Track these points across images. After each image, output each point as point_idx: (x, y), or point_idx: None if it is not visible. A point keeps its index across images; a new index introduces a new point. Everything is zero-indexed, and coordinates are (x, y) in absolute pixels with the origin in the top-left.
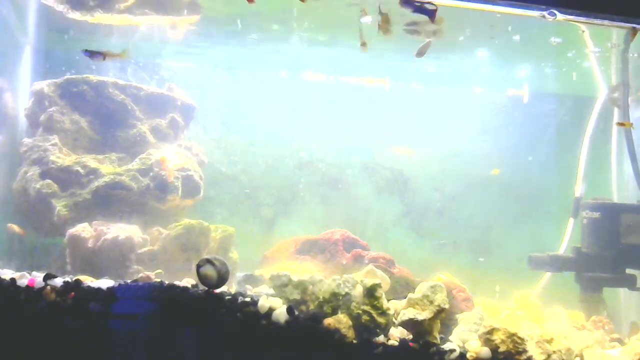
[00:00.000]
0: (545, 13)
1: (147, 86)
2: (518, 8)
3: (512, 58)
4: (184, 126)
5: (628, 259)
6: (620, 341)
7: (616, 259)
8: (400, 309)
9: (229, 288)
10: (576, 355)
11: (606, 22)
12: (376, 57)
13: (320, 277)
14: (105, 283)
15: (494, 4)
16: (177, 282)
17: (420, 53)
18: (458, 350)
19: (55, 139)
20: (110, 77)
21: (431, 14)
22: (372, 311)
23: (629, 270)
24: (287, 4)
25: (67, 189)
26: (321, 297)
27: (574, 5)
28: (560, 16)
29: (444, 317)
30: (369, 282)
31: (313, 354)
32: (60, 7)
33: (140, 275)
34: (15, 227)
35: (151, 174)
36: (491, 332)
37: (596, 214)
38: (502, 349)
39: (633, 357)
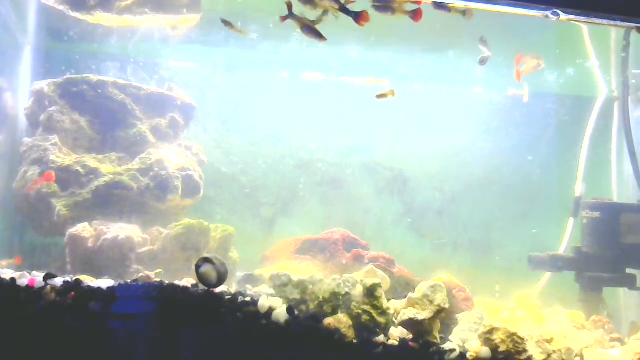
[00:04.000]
0: (548, 13)
1: (147, 86)
2: (520, 8)
3: (514, 57)
4: (184, 126)
5: (628, 259)
6: (620, 341)
7: (616, 258)
8: (400, 309)
9: (229, 288)
10: (576, 355)
11: (605, 21)
12: (376, 57)
13: (320, 277)
14: (105, 283)
15: (494, 4)
16: (177, 282)
17: (483, 62)
18: (458, 350)
19: (55, 138)
20: (110, 77)
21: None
22: (372, 311)
23: (629, 270)
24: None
25: (67, 189)
26: (321, 297)
27: (576, 5)
28: (563, 16)
29: (444, 317)
30: (369, 281)
31: (313, 354)
32: (60, 7)
33: (140, 275)
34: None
35: (151, 173)
36: (491, 331)
37: (596, 214)
38: (502, 348)
39: (633, 357)
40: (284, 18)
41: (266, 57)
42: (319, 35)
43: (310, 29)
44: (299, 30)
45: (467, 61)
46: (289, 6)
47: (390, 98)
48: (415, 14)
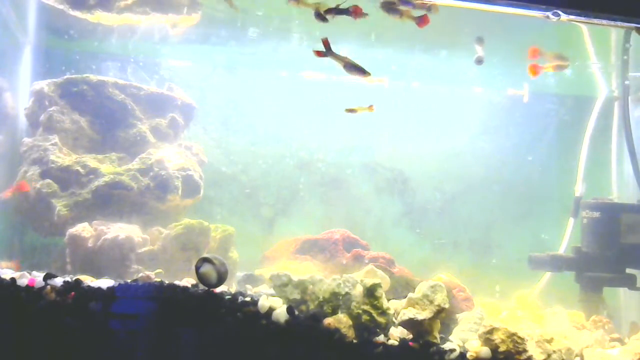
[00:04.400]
0: (549, 13)
1: (147, 86)
2: (520, 8)
3: (513, 57)
4: (184, 126)
5: (628, 259)
6: (620, 341)
7: (616, 258)
8: (400, 309)
9: (229, 288)
10: (576, 355)
11: (604, 21)
12: (376, 56)
13: (320, 276)
14: (105, 283)
15: (494, 4)
16: (177, 282)
17: (479, 61)
18: (458, 350)
19: (55, 138)
20: (110, 77)
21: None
22: (372, 311)
23: (629, 270)
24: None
25: (67, 189)
26: (321, 297)
27: (576, 5)
28: (564, 16)
29: (444, 317)
30: (369, 281)
31: (313, 354)
32: (60, 6)
33: (141, 275)
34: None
35: (151, 173)
36: (491, 331)
37: (596, 214)
38: (502, 348)
39: (633, 357)
40: (320, 54)
41: (266, 57)
42: (362, 72)
43: (353, 66)
44: (342, 68)
45: (467, 61)
46: (326, 44)
47: (365, 113)
48: (421, 20)
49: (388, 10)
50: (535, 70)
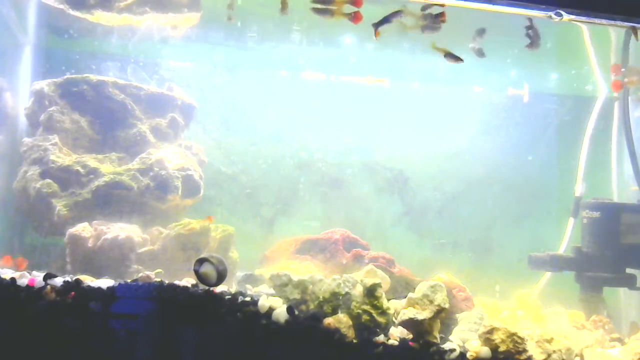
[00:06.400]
0: (551, 13)
1: (147, 86)
2: (521, 8)
3: (513, 58)
4: (184, 126)
5: (628, 259)
6: (620, 341)
7: (616, 258)
8: (400, 309)
9: (229, 288)
10: (576, 355)
11: (604, 21)
12: (376, 57)
13: (320, 276)
14: (105, 282)
15: (496, 4)
16: (177, 282)
17: (480, 53)
18: (458, 350)
19: (55, 138)
20: (110, 77)
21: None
22: (372, 311)
23: (629, 270)
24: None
25: (67, 189)
26: (321, 297)
27: (576, 5)
28: (566, 16)
29: (444, 317)
30: (369, 281)
31: (313, 354)
32: (60, 6)
33: (140, 274)
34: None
35: (151, 173)
36: (491, 331)
37: (596, 214)
38: (502, 348)
39: (633, 357)
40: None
41: (266, 57)
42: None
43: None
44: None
45: (467, 61)
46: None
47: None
48: (355, 17)
49: (317, 12)
50: (618, 86)
